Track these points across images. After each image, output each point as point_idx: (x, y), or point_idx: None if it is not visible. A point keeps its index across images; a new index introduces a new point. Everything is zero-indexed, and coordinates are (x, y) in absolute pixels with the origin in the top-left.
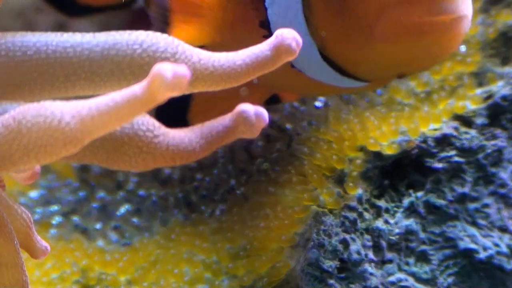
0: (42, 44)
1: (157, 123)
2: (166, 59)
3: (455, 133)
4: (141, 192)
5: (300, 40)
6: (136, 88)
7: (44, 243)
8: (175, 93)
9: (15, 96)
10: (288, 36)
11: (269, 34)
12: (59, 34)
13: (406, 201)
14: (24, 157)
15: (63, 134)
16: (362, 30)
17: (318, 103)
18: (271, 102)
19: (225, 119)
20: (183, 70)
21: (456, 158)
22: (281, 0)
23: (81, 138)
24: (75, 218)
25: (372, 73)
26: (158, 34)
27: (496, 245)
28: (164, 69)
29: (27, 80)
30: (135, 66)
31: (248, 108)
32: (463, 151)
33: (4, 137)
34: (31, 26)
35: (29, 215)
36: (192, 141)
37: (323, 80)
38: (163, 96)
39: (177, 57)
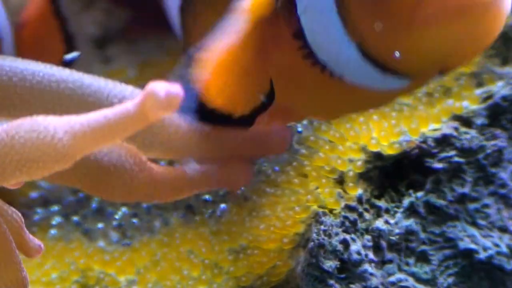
0: (29, 72)
1: (144, 158)
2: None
3: (455, 133)
4: None
5: (175, 89)
6: (129, 105)
7: (37, 241)
8: (168, 113)
9: None
10: (154, 87)
11: (305, 44)
12: (48, 66)
13: (406, 201)
14: (16, 172)
15: (55, 150)
16: (403, 18)
17: None
18: None
19: (213, 169)
20: (176, 89)
21: (456, 158)
22: (314, 5)
23: (73, 154)
24: (75, 218)
25: (414, 66)
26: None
27: (496, 245)
28: (157, 88)
29: (7, 104)
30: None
31: (240, 166)
32: (463, 151)
33: None
34: None
35: (20, 214)
36: (175, 182)
37: (364, 82)
38: (155, 115)
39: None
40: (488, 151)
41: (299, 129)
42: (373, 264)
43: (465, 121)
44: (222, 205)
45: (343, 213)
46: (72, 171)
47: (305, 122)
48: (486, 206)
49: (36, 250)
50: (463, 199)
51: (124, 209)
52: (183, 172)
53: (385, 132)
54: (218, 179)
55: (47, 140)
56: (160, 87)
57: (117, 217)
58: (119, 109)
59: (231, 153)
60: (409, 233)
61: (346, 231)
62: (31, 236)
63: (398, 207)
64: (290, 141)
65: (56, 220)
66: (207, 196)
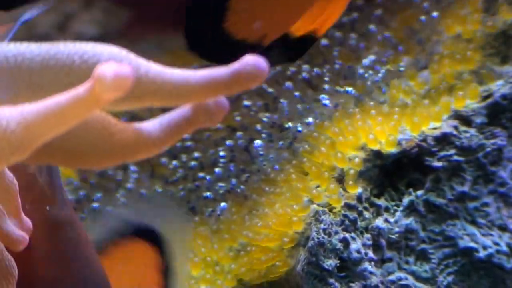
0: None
1: (113, 120)
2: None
3: (454, 132)
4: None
5: (266, 67)
6: (80, 90)
7: (21, 233)
8: (119, 94)
9: None
10: (251, 62)
11: None
12: (4, 44)
13: (406, 200)
14: None
15: (9, 143)
16: None
17: (326, 101)
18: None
19: (184, 110)
20: (125, 71)
21: (456, 157)
22: None
23: (28, 145)
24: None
25: None
26: (106, 45)
27: (496, 243)
28: (106, 70)
29: None
30: (73, 77)
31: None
32: (462, 150)
33: None
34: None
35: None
36: (151, 135)
37: None
38: (107, 97)
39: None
40: (488, 149)
41: (299, 129)
42: (372, 263)
43: (464, 119)
44: (222, 204)
45: (342, 212)
46: (40, 150)
47: (307, 120)
48: (486, 204)
49: (20, 242)
50: (462, 197)
51: (124, 209)
52: (159, 122)
53: (385, 130)
54: (193, 118)
55: (0, 134)
56: (109, 69)
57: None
58: (71, 95)
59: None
60: (408, 231)
61: (346, 229)
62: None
63: (397, 205)
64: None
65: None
66: (208, 194)
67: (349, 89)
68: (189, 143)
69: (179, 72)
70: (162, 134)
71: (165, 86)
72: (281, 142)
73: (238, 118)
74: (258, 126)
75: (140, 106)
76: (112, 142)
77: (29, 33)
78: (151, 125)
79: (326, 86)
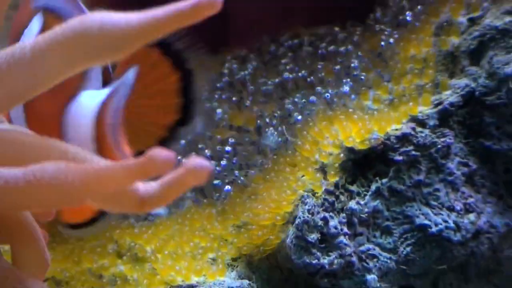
0: None
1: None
2: None
3: (412, 132)
4: None
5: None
6: (135, 162)
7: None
8: (158, 174)
9: None
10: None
11: None
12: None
13: (373, 187)
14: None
15: (67, 192)
16: None
17: (307, 108)
18: None
19: (177, 173)
20: (171, 160)
21: (413, 152)
22: None
23: (81, 197)
24: None
25: None
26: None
27: (445, 221)
28: (157, 153)
29: None
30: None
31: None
32: (418, 146)
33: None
34: None
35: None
36: (154, 194)
37: None
38: (150, 174)
39: None
40: (439, 146)
41: (298, 118)
42: (347, 237)
43: (420, 122)
44: (226, 187)
45: (323, 196)
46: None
47: (300, 117)
48: (437, 190)
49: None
50: (418, 184)
51: None
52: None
53: (357, 131)
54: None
55: (61, 183)
56: (160, 154)
57: None
58: (126, 166)
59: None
60: (375, 211)
61: (325, 210)
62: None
63: (367, 191)
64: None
65: None
66: (216, 182)
67: (327, 95)
68: (200, 145)
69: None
70: (162, 194)
71: (136, 27)
72: (276, 139)
73: (242, 121)
74: (258, 127)
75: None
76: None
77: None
78: (153, 186)
79: (313, 93)
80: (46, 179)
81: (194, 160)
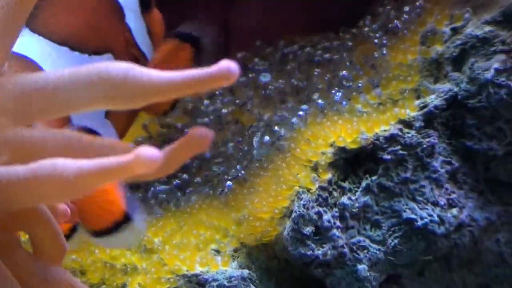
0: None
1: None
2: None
3: (399, 133)
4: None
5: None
6: (122, 159)
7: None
8: (147, 171)
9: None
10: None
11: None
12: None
13: (364, 183)
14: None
15: (63, 186)
16: None
17: (301, 113)
18: None
19: (181, 141)
20: (156, 155)
21: (401, 152)
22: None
23: (77, 191)
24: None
25: None
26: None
27: (430, 215)
28: (143, 152)
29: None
30: (96, 91)
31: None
32: (405, 146)
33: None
34: None
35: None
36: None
37: None
38: (138, 172)
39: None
40: (424, 146)
41: (295, 119)
42: (339, 229)
43: (407, 124)
44: (228, 183)
45: (317, 192)
46: None
47: (296, 119)
48: (423, 186)
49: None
50: (405, 181)
51: (157, 189)
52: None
53: (349, 132)
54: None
55: (56, 178)
56: (146, 152)
57: (151, 195)
58: (115, 162)
59: None
60: (366, 206)
61: (319, 205)
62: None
63: (358, 187)
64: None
65: None
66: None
67: (320, 102)
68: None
69: (164, 73)
70: (166, 162)
71: (156, 85)
72: (272, 140)
73: (242, 123)
74: (257, 128)
75: (140, 104)
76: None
77: None
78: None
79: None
80: (44, 175)
81: (196, 129)
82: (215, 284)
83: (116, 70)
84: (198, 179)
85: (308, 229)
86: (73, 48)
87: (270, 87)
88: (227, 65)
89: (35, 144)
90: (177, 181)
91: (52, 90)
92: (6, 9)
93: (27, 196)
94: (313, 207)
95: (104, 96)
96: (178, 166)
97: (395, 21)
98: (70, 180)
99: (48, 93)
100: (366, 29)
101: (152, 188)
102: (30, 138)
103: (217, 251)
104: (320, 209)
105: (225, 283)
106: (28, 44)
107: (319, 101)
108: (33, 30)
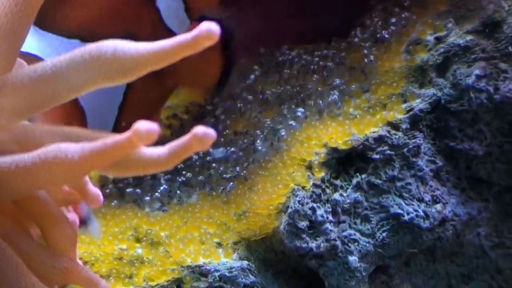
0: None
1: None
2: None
3: (387, 135)
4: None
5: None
6: (121, 137)
7: (97, 191)
8: (148, 143)
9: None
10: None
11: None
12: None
13: (354, 181)
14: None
15: (69, 168)
16: None
17: (298, 113)
18: None
19: (183, 140)
20: (154, 128)
21: (388, 152)
22: None
23: (81, 171)
24: (128, 190)
25: None
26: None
27: (416, 211)
28: (141, 126)
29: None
30: (92, 69)
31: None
32: (393, 146)
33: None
34: None
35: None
36: (160, 157)
37: None
38: (139, 144)
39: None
40: (410, 146)
41: (282, 133)
42: (332, 224)
43: (394, 126)
44: (230, 183)
45: (311, 189)
46: None
47: (292, 122)
48: (409, 184)
49: (96, 200)
50: (393, 179)
51: (162, 187)
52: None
53: (340, 133)
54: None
55: (62, 161)
56: (143, 126)
57: (157, 193)
58: (116, 140)
59: None
60: (356, 202)
61: (313, 201)
62: (92, 187)
63: (349, 185)
64: None
65: (115, 194)
66: (225, 175)
67: (318, 103)
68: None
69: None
70: (168, 157)
71: (143, 56)
72: (270, 142)
73: (242, 126)
74: (257, 131)
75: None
76: (132, 159)
77: None
78: (161, 150)
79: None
80: (50, 159)
81: (200, 128)
82: (217, 274)
83: (105, 48)
84: (200, 177)
85: (303, 224)
86: (85, 39)
87: (268, 92)
88: (207, 26)
89: (42, 138)
90: (182, 178)
91: (52, 76)
92: (12, 14)
93: (35, 180)
94: (307, 203)
95: (99, 72)
96: (179, 161)
97: (383, 31)
98: (75, 161)
99: (49, 80)
100: (356, 39)
101: (157, 188)
102: (38, 132)
103: (219, 244)
104: (314, 205)
105: (226, 273)
106: (36, 42)
107: (314, 104)
108: (43, 28)
